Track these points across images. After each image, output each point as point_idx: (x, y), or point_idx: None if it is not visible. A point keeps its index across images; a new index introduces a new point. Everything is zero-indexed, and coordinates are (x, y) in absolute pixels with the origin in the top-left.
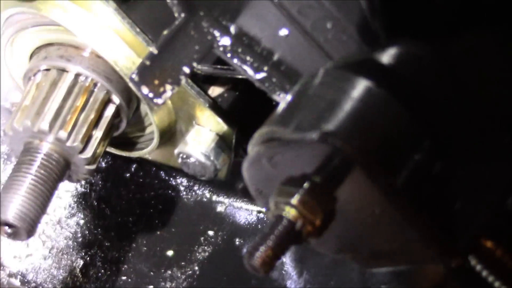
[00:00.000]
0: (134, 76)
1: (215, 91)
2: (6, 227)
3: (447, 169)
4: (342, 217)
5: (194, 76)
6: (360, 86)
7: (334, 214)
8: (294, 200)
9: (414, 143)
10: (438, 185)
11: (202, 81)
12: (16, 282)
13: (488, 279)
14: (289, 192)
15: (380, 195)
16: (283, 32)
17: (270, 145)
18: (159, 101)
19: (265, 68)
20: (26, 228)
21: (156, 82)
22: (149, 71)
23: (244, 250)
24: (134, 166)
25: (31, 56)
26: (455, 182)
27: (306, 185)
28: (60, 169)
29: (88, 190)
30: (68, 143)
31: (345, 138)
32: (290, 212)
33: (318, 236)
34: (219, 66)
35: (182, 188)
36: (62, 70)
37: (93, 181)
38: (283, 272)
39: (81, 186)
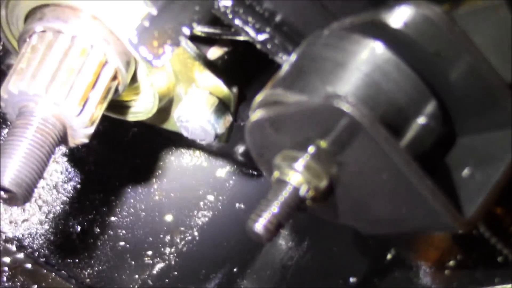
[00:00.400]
0: (133, 37)
1: (215, 53)
2: (2, 192)
3: (453, 134)
4: (347, 183)
5: (193, 38)
6: (367, 47)
7: (339, 180)
8: (298, 164)
9: (419, 106)
10: (444, 150)
11: (202, 43)
12: (12, 247)
13: (496, 246)
14: (293, 157)
15: (386, 159)
16: None
17: (273, 108)
18: (158, 62)
19: (267, 29)
20: (22, 193)
21: (155, 43)
22: (148, 33)
23: (245, 215)
24: (132, 130)
25: (26, 18)
26: (462, 148)
27: (310, 149)
28: (57, 132)
29: (85, 155)
30: (65, 106)
31: (351, 102)
32: (294, 177)
33: (322, 202)
34: (219, 27)
35: (181, 153)
36: (58, 32)
37: (90, 145)
38: (285, 238)
39: (78, 150)
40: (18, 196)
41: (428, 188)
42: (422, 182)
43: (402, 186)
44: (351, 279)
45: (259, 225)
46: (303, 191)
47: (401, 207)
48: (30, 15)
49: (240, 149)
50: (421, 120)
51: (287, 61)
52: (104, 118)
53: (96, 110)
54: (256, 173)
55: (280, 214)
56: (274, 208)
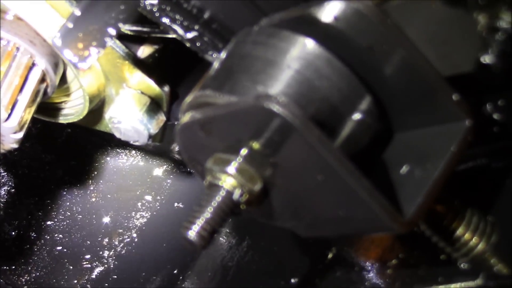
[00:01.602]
0: (56, 39)
1: (145, 51)
2: None
3: (390, 130)
4: (282, 185)
5: (121, 37)
6: (297, 44)
7: (273, 182)
8: (231, 168)
9: (353, 102)
10: (381, 147)
11: (130, 42)
12: None
13: (438, 245)
14: (225, 160)
15: (320, 160)
16: None
17: (203, 110)
18: (84, 65)
19: (196, 27)
20: None
21: (80, 45)
22: (73, 34)
23: (184, 214)
24: (66, 131)
25: None
26: (400, 145)
27: (243, 151)
28: None
29: (18, 158)
30: None
31: (282, 102)
32: (227, 181)
33: (257, 206)
34: (147, 26)
35: (117, 153)
36: None
37: (23, 148)
38: (225, 238)
39: (10, 153)
40: None
41: (365, 189)
42: (359, 183)
43: (338, 187)
44: (292, 280)
45: (193, 233)
46: (236, 195)
47: (339, 209)
48: None
49: (177, 147)
50: (356, 116)
51: (217, 59)
52: (36, 119)
53: (25, 114)
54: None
55: (213, 220)
56: (207, 214)
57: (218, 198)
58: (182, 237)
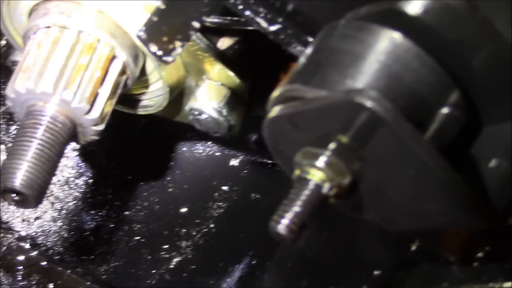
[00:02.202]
0: (141, 33)
1: (225, 43)
2: (14, 195)
3: (478, 123)
4: (370, 179)
5: (202, 29)
6: (386, 38)
7: (362, 176)
8: (320, 162)
9: (442, 96)
10: (470, 140)
11: (211, 33)
12: (26, 246)
13: None
14: (314, 154)
15: (411, 153)
16: None
17: (291, 104)
18: (169, 58)
19: (280, 20)
20: (34, 195)
21: (165, 39)
22: (157, 28)
23: (261, 205)
24: (142, 122)
25: (30, 14)
26: (488, 138)
27: (331, 145)
28: (67, 131)
29: (96, 148)
30: (74, 104)
31: (373, 96)
32: (316, 175)
33: (346, 199)
34: (229, 18)
35: (193, 143)
36: (63, 27)
37: (100, 139)
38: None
39: (88, 144)
40: (30, 198)
41: (456, 182)
42: (449, 177)
43: (427, 181)
44: (375, 272)
45: (282, 226)
46: (325, 188)
47: (427, 202)
48: (34, 11)
49: (253, 137)
50: (445, 110)
51: (302, 52)
52: (113, 111)
53: (106, 106)
54: (270, 162)
55: (303, 214)
56: (297, 207)
57: (307, 192)
58: (271, 231)
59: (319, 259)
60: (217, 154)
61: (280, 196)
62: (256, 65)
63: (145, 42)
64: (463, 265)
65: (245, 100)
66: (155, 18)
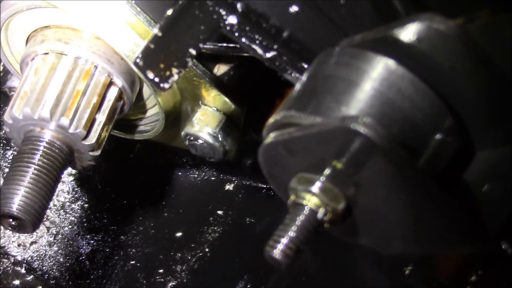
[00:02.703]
0: (138, 60)
1: (220, 69)
2: (11, 220)
3: (470, 149)
4: (364, 204)
5: (199, 55)
6: (380, 65)
7: (356, 201)
8: (315, 187)
9: (436, 122)
10: (462, 166)
11: (207, 60)
12: (22, 270)
13: None
14: (309, 179)
15: (405, 179)
16: (293, 8)
17: (287, 131)
18: (165, 85)
19: (275, 46)
20: (31, 220)
21: (162, 66)
22: (154, 55)
23: (256, 229)
24: (138, 146)
25: (27, 41)
26: (482, 163)
27: (326, 171)
28: (64, 157)
29: (91, 173)
30: (71, 130)
31: (367, 122)
32: (311, 201)
33: (341, 224)
34: (224, 44)
35: (188, 168)
36: (61, 54)
37: (96, 164)
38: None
39: (84, 169)
40: (27, 223)
41: (450, 207)
42: (443, 202)
43: (421, 206)
44: None
45: (278, 251)
46: (320, 214)
47: (421, 227)
48: (32, 37)
49: (248, 162)
50: (439, 136)
51: (297, 79)
52: (109, 136)
53: (103, 131)
54: (265, 186)
55: (298, 239)
56: (292, 232)
57: (302, 217)
58: (267, 256)
59: (314, 283)
60: (212, 178)
61: (275, 220)
62: (252, 91)
63: (142, 69)
64: None
65: (240, 126)
66: (152, 45)
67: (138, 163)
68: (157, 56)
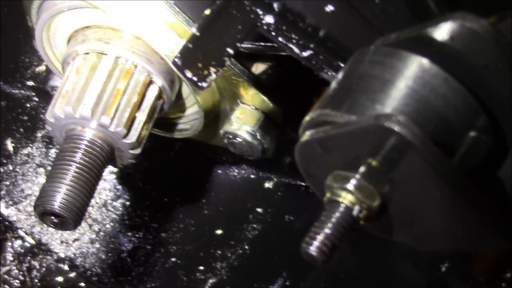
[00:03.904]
0: (177, 60)
1: (258, 68)
2: (53, 217)
3: (503, 146)
4: (399, 201)
5: (237, 54)
6: (414, 63)
7: (391, 198)
8: (350, 185)
9: (469, 120)
10: (496, 163)
11: (245, 59)
12: (65, 267)
13: None
14: (344, 177)
15: (438, 177)
16: (329, 7)
17: (322, 129)
18: (203, 84)
19: (312, 45)
20: (73, 217)
21: (200, 65)
22: (192, 54)
23: (295, 226)
24: (178, 144)
25: (68, 40)
26: None
27: (361, 169)
28: (105, 155)
29: (132, 171)
30: (111, 128)
31: (401, 120)
32: (346, 198)
33: (376, 221)
34: (262, 43)
35: (228, 165)
36: (101, 53)
37: (137, 162)
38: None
39: (125, 167)
40: (69, 220)
41: (483, 204)
42: (476, 200)
43: (455, 203)
44: None
45: (313, 248)
46: (356, 211)
47: (456, 224)
48: (73, 38)
49: (287, 160)
50: (472, 134)
51: (333, 77)
52: (149, 134)
53: (143, 130)
54: (303, 184)
55: (334, 236)
56: (327, 229)
57: (338, 214)
58: (303, 252)
59: (352, 279)
60: (252, 176)
61: (314, 218)
62: (290, 89)
63: (181, 69)
64: (492, 285)
65: (279, 124)
66: (190, 45)
67: (178, 161)
68: (195, 55)
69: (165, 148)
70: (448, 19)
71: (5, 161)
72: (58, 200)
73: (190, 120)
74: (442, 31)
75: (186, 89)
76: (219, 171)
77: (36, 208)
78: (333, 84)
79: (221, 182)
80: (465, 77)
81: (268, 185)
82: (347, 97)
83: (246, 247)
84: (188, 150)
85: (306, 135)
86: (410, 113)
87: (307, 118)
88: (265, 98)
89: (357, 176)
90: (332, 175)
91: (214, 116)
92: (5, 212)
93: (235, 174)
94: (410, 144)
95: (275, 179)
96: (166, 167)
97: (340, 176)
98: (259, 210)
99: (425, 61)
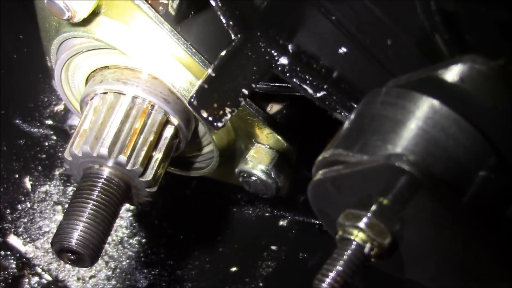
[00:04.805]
0: (193, 100)
1: (273, 108)
2: (70, 254)
3: None
4: (410, 239)
5: (252, 94)
6: (425, 104)
7: (402, 236)
8: (362, 223)
9: (479, 159)
10: (506, 202)
11: (260, 98)
12: None
13: None
14: (356, 215)
15: (448, 216)
16: (342, 49)
17: (335, 168)
18: (219, 124)
19: (325, 86)
20: (90, 254)
21: (215, 105)
22: (208, 95)
23: (309, 264)
24: (194, 183)
25: (87, 80)
26: None
27: (373, 207)
28: (121, 193)
29: (149, 209)
30: (128, 167)
31: (412, 160)
32: (358, 236)
33: (387, 259)
34: (277, 84)
35: (243, 203)
36: (119, 93)
37: (153, 200)
38: None
39: (141, 205)
40: (86, 257)
41: (493, 244)
42: (487, 239)
43: (466, 242)
44: None
45: (326, 285)
46: (367, 249)
47: (466, 262)
48: (91, 78)
49: (301, 198)
50: (482, 173)
51: (346, 117)
52: (165, 172)
53: (159, 168)
54: (317, 222)
55: (345, 273)
56: (339, 267)
57: (349, 252)
58: None
59: None
60: (267, 214)
61: (328, 256)
62: (304, 129)
63: (196, 109)
64: None
65: (293, 163)
66: (206, 85)
67: (194, 199)
68: (211, 96)
69: (181, 186)
70: (458, 62)
71: (23, 198)
72: (75, 237)
73: (206, 158)
74: (453, 73)
75: (202, 128)
76: (234, 209)
77: (54, 245)
78: (346, 124)
79: (236, 220)
80: (474, 117)
81: (282, 223)
82: (359, 137)
83: (261, 284)
84: (204, 188)
85: (319, 174)
86: (421, 153)
87: (320, 157)
88: (280, 138)
89: (369, 214)
90: (344, 213)
91: (230, 155)
92: (23, 249)
93: (250, 212)
94: (420, 184)
95: (289, 217)
96: (182, 205)
97: (352, 215)
98: (273, 247)
99: (435, 102)
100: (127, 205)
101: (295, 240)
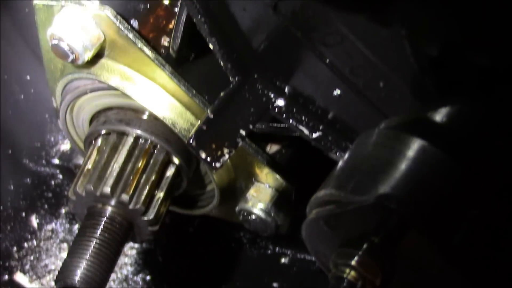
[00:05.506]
0: (191, 141)
1: (272, 147)
2: None
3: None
4: (401, 276)
5: (251, 134)
6: (414, 146)
7: (393, 274)
8: (354, 261)
9: (469, 200)
10: (497, 242)
11: (259, 139)
12: None
13: None
14: (348, 254)
15: (438, 255)
16: (337, 91)
17: (328, 208)
18: (217, 164)
19: (321, 127)
20: None
21: (214, 146)
22: (206, 136)
23: None
24: (197, 221)
25: (91, 121)
26: None
27: (365, 246)
28: (124, 231)
29: (153, 246)
30: (131, 206)
31: (401, 201)
32: (350, 274)
33: None
34: (275, 125)
35: (245, 241)
36: (122, 134)
37: (157, 237)
38: None
39: (145, 242)
40: None
41: (486, 283)
42: (479, 278)
43: (457, 281)
44: None
45: None
46: (359, 286)
47: None
48: (95, 118)
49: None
50: (473, 212)
51: (341, 157)
52: (169, 210)
53: (161, 207)
54: None
55: None
56: None
57: None
58: None
59: None
60: (268, 252)
61: None
62: (302, 167)
63: (195, 149)
64: None
65: (292, 201)
66: (204, 127)
67: (197, 237)
68: (209, 137)
69: (184, 224)
70: (447, 103)
71: (29, 236)
72: (79, 275)
73: (208, 197)
74: (441, 114)
75: (203, 167)
76: (236, 247)
77: (57, 283)
78: (340, 164)
79: (238, 258)
80: (465, 158)
81: (284, 260)
82: (352, 177)
83: None
84: (206, 226)
85: (313, 213)
86: (411, 192)
87: (313, 197)
88: (279, 177)
89: (360, 253)
90: (336, 251)
91: (231, 193)
92: (29, 286)
93: (252, 250)
94: (409, 223)
95: (290, 254)
96: (186, 243)
97: (344, 253)
98: (275, 285)
99: (424, 143)
100: (131, 243)
101: (297, 277)
